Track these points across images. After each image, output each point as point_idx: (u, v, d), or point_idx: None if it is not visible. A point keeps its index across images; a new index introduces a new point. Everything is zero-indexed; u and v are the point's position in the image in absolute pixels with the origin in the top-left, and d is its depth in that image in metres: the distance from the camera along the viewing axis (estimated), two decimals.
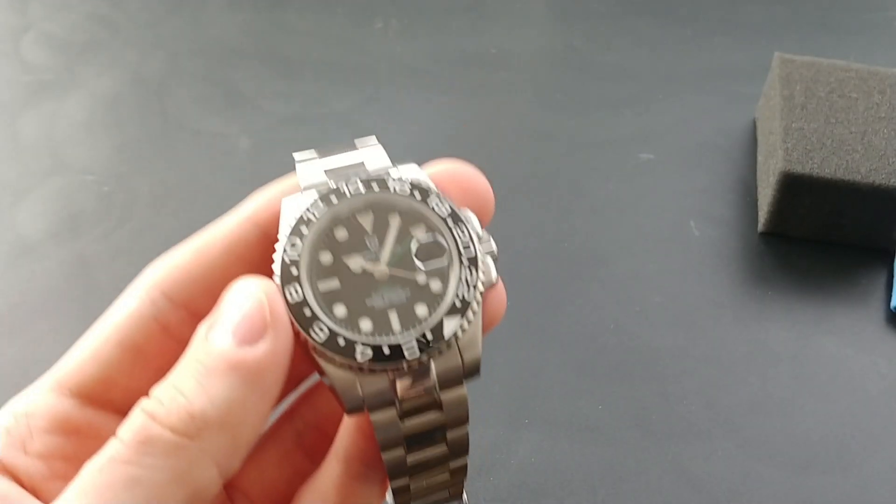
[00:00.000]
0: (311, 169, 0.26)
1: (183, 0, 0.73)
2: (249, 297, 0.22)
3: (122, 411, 0.26)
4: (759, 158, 0.59)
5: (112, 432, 0.25)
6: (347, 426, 0.26)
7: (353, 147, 0.27)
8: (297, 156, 0.27)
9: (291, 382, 0.26)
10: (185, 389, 0.21)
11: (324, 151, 0.27)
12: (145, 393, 0.26)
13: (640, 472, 0.45)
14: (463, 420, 0.25)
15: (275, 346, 0.22)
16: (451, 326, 0.24)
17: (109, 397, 0.26)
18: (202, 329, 0.23)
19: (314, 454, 0.29)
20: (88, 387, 0.25)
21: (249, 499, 0.27)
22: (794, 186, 0.52)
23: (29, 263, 0.53)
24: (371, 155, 0.27)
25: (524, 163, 0.60)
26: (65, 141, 0.61)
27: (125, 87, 0.65)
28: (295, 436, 0.29)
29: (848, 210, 0.53)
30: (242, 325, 0.22)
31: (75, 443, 0.25)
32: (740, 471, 0.45)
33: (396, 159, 0.27)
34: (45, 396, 0.25)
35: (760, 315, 0.52)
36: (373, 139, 0.27)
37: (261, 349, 0.22)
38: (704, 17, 0.72)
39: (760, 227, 0.56)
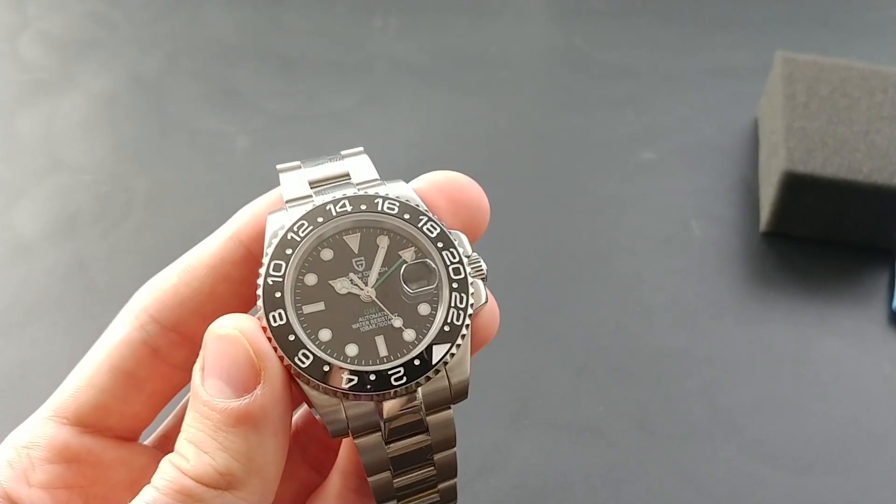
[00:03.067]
0: (295, 181, 0.25)
1: None
2: (232, 342, 0.22)
3: (119, 437, 0.27)
4: (761, 158, 0.59)
5: (112, 458, 0.26)
6: (346, 440, 0.26)
7: (339, 157, 0.26)
8: (279, 167, 0.26)
9: (295, 400, 0.26)
10: (205, 447, 0.22)
11: (308, 162, 0.26)
12: (141, 417, 0.27)
13: (642, 474, 0.44)
14: (451, 443, 0.25)
15: (271, 386, 0.22)
16: (439, 353, 0.23)
17: (107, 423, 0.26)
18: (196, 375, 0.23)
19: (320, 467, 0.29)
20: (85, 414, 0.26)
21: None
22: (796, 186, 0.52)
23: (26, 263, 0.53)
24: (357, 165, 0.26)
25: (524, 162, 0.60)
26: (62, 140, 0.61)
27: (123, 86, 0.65)
28: (300, 451, 0.29)
29: (850, 210, 0.53)
30: (234, 374, 0.22)
31: (76, 471, 0.25)
32: (742, 472, 0.44)
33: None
34: (43, 427, 0.25)
35: (762, 315, 0.51)
36: (359, 149, 0.27)
37: (259, 394, 0.22)
38: (706, 16, 0.72)
39: (762, 226, 0.56)
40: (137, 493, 0.22)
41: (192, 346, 0.26)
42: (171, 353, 0.26)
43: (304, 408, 0.29)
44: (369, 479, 0.24)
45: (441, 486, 0.26)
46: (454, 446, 0.25)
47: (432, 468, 0.25)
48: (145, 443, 0.29)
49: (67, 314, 0.50)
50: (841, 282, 0.53)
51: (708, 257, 0.54)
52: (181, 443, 0.22)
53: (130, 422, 0.27)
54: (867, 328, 0.51)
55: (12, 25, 0.70)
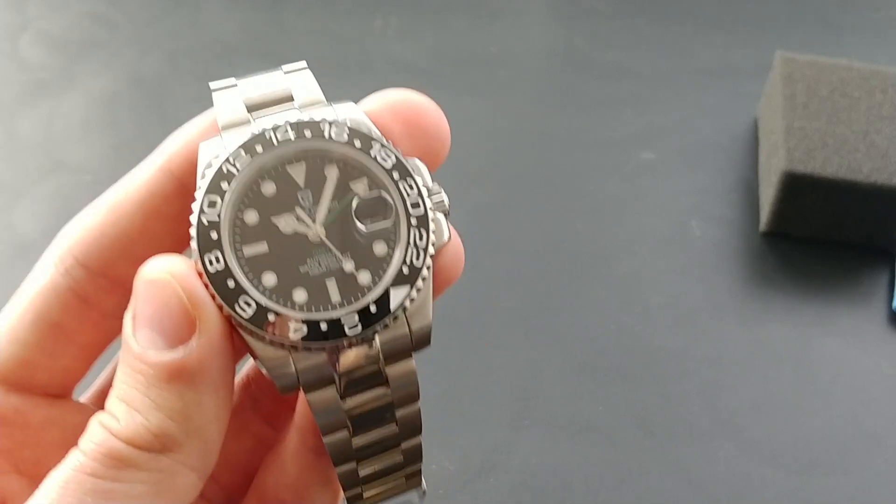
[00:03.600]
0: (230, 102, 0.23)
1: None
2: (163, 287, 0.20)
3: (49, 394, 0.24)
4: (761, 158, 0.59)
5: (41, 418, 0.23)
6: (303, 395, 0.23)
7: (279, 72, 0.23)
8: (213, 84, 0.23)
9: (239, 351, 0.23)
10: (137, 405, 0.20)
11: (246, 83, 0.23)
12: (73, 371, 0.24)
13: (642, 474, 0.44)
14: (413, 397, 0.23)
15: (209, 337, 0.20)
16: (397, 297, 0.21)
17: (34, 381, 0.24)
18: (127, 324, 0.20)
19: (274, 421, 0.27)
20: (9, 371, 0.23)
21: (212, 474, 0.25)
22: (795, 186, 0.52)
23: (26, 264, 0.53)
24: (299, 83, 0.23)
25: (524, 162, 0.60)
26: (62, 140, 0.61)
27: (123, 87, 0.65)
28: (252, 403, 0.27)
29: (850, 210, 0.53)
30: (167, 324, 0.20)
31: (3, 434, 0.23)
32: (742, 472, 0.45)
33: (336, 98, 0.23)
34: None
35: (762, 315, 0.51)
36: (302, 63, 0.24)
37: (194, 346, 0.20)
38: (705, 16, 0.72)
39: (762, 226, 0.56)
40: None
41: (123, 291, 0.23)
42: (100, 299, 0.23)
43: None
44: (324, 439, 0.22)
45: (404, 444, 0.24)
46: (417, 399, 0.23)
47: (394, 425, 0.23)
48: (80, 399, 0.26)
49: None
50: (841, 282, 0.53)
51: (708, 257, 0.54)
52: (111, 400, 0.20)
53: (60, 377, 0.24)
54: (867, 328, 0.51)
55: (12, 25, 0.70)
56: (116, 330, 0.24)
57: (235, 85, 0.23)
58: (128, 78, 0.66)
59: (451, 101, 0.64)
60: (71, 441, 0.21)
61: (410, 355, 0.22)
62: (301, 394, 0.22)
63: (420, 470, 0.25)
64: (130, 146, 0.61)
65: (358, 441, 0.23)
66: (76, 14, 0.71)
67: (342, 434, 0.22)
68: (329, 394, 0.21)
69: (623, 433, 0.46)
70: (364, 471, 0.24)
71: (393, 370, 0.22)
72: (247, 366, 0.28)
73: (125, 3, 0.72)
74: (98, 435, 0.20)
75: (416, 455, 0.25)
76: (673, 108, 0.64)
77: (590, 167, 0.60)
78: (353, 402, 0.22)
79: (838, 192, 0.52)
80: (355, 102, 0.23)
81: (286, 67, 0.24)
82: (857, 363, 0.49)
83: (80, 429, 0.21)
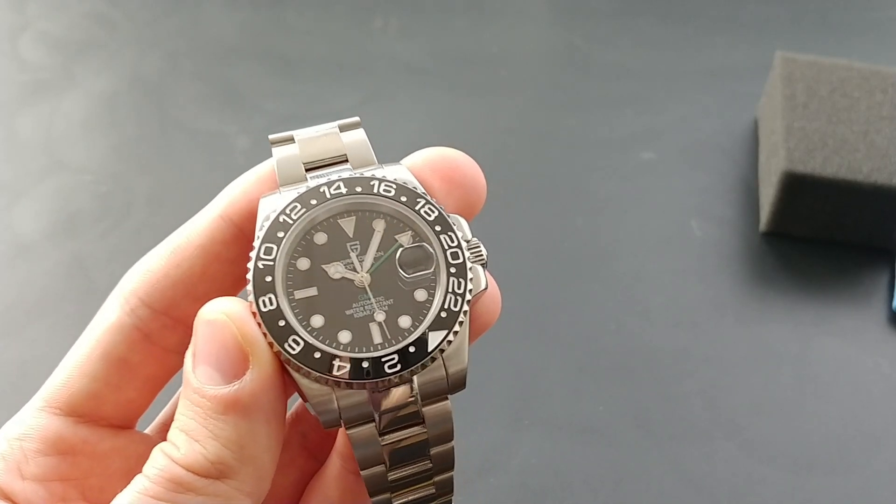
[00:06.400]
0: (289, 162, 0.25)
1: None
2: (220, 327, 0.22)
3: (114, 425, 0.26)
4: (761, 158, 0.59)
5: (107, 448, 0.25)
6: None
7: (336, 135, 0.25)
8: (272, 137, 0.25)
9: (290, 388, 0.26)
10: (195, 435, 0.21)
11: (304, 142, 0.25)
12: (136, 404, 0.26)
13: (641, 474, 0.44)
14: (448, 436, 0.24)
15: (261, 372, 0.22)
16: (435, 340, 0.22)
17: (101, 412, 0.26)
18: (187, 362, 0.22)
19: (319, 454, 0.29)
20: (78, 404, 0.25)
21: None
22: (795, 186, 0.52)
23: (26, 263, 0.53)
24: (354, 147, 0.25)
25: (524, 162, 0.60)
26: (62, 140, 0.61)
27: (123, 87, 0.65)
28: (300, 438, 0.29)
29: (850, 210, 0.53)
30: (223, 361, 0.22)
31: (71, 462, 0.25)
32: (742, 472, 0.44)
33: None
34: (36, 418, 0.25)
35: (762, 315, 0.51)
36: (356, 119, 0.26)
37: (248, 380, 0.21)
38: (706, 16, 0.72)
39: (762, 226, 0.56)
40: None
41: (184, 328, 0.25)
42: (163, 336, 0.25)
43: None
44: (362, 473, 0.24)
45: (437, 478, 0.25)
46: (452, 440, 0.24)
47: (428, 462, 0.25)
48: (145, 431, 0.28)
49: (67, 314, 0.50)
50: (841, 282, 0.53)
51: (708, 257, 0.54)
52: (173, 431, 0.22)
53: (125, 409, 0.26)
54: (867, 328, 0.51)
55: (12, 25, 0.70)
56: (178, 365, 0.26)
57: (293, 139, 0.25)
58: (128, 78, 0.66)
59: (452, 101, 0.64)
60: (134, 470, 0.22)
61: (447, 397, 0.23)
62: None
63: (451, 501, 0.27)
64: (130, 146, 0.61)
65: (393, 475, 0.24)
66: (76, 14, 0.71)
67: (379, 468, 0.24)
68: (368, 430, 0.23)
69: (623, 433, 0.46)
70: (398, 501, 0.25)
71: (429, 410, 0.23)
72: (296, 404, 0.29)
73: (125, 3, 0.72)
74: (160, 462, 0.21)
75: (447, 488, 0.26)
76: (673, 108, 0.64)
77: (590, 167, 0.60)
78: (390, 438, 0.23)
79: (838, 192, 0.52)
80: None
81: (341, 124, 0.26)
82: (857, 363, 0.49)
83: (143, 458, 0.22)
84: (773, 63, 0.60)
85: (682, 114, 0.64)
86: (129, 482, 0.22)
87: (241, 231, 0.25)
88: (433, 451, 0.24)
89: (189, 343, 0.22)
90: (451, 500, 0.27)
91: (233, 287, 0.25)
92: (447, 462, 0.25)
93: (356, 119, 0.26)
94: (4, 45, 0.68)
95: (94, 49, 0.68)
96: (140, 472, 0.22)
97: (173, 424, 0.22)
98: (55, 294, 0.51)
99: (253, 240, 0.23)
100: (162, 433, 0.28)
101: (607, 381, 0.48)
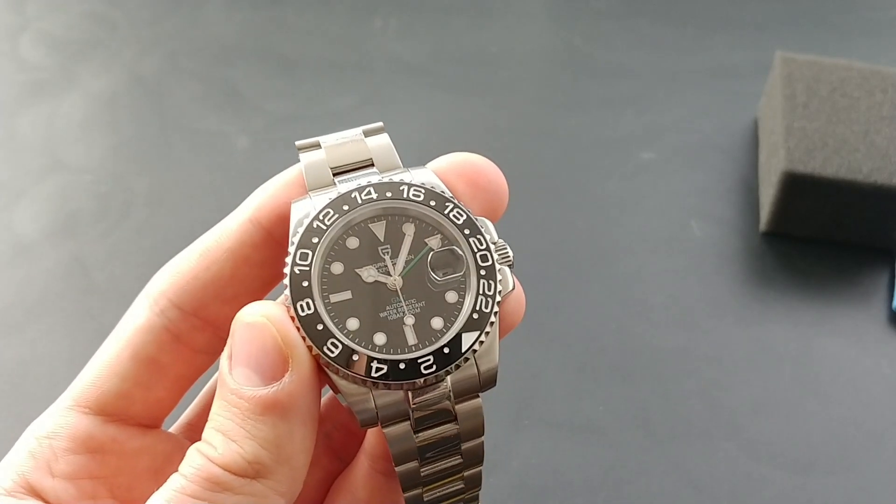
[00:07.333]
0: (317, 167, 0.25)
1: None
2: (260, 329, 0.22)
3: (144, 425, 0.26)
4: (761, 158, 0.59)
5: (135, 446, 0.26)
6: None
7: (362, 140, 0.26)
8: (298, 143, 0.26)
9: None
10: (233, 435, 0.22)
11: (331, 147, 0.26)
12: (164, 403, 0.27)
13: (642, 474, 0.44)
14: (479, 431, 0.25)
15: (300, 374, 0.22)
16: (468, 341, 0.23)
17: (130, 412, 0.26)
18: (224, 363, 0.23)
19: (343, 454, 0.29)
20: (108, 403, 0.25)
21: None
22: (795, 186, 0.52)
23: (26, 263, 0.53)
24: (379, 151, 0.26)
25: (524, 162, 0.60)
26: (62, 140, 0.61)
27: (123, 86, 0.65)
28: (325, 439, 0.29)
29: (850, 210, 0.53)
30: (262, 363, 0.22)
31: (100, 461, 0.25)
32: (742, 472, 0.44)
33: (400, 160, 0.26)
34: (65, 416, 0.25)
35: (762, 315, 0.51)
36: (379, 124, 0.26)
37: (287, 382, 0.22)
38: (706, 16, 0.72)
39: (762, 226, 0.56)
40: (161, 481, 0.22)
41: (213, 329, 0.26)
42: (192, 337, 0.26)
43: (326, 395, 0.29)
44: (397, 469, 0.24)
45: (466, 473, 0.26)
46: (482, 435, 0.25)
47: (459, 457, 0.25)
48: (169, 430, 0.29)
49: (67, 314, 0.50)
50: (841, 282, 0.53)
51: (708, 257, 0.54)
52: (209, 431, 0.22)
53: (154, 409, 0.26)
54: (867, 328, 0.51)
55: (12, 25, 0.70)
56: (206, 364, 0.26)
57: (319, 145, 0.26)
58: (127, 78, 0.66)
59: (451, 101, 0.64)
60: (161, 468, 0.23)
61: (478, 395, 0.24)
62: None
63: (478, 496, 0.28)
64: (130, 146, 0.61)
65: (425, 471, 0.25)
66: (76, 14, 0.71)
67: (413, 464, 0.24)
68: (404, 428, 0.24)
69: (623, 433, 0.46)
70: (428, 496, 0.26)
71: (461, 407, 0.24)
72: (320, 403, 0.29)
73: (125, 3, 0.72)
74: (197, 461, 0.22)
75: (476, 482, 0.27)
76: (673, 108, 0.64)
77: (590, 167, 0.60)
78: (424, 435, 0.24)
79: (838, 192, 0.52)
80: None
81: (366, 128, 0.26)
82: (857, 363, 0.49)
83: (170, 457, 0.23)
84: (773, 63, 0.60)
85: (682, 114, 0.64)
86: (156, 481, 0.22)
87: (269, 235, 0.25)
88: (464, 446, 0.25)
89: (220, 344, 0.23)
90: (478, 494, 0.28)
91: (261, 289, 0.26)
92: (477, 457, 0.26)
93: (380, 124, 0.26)
94: (4, 45, 0.68)
95: (93, 49, 0.68)
96: (168, 470, 0.22)
97: (208, 424, 0.22)
98: (55, 294, 0.51)
99: (282, 243, 0.24)
100: (187, 433, 0.28)
101: (607, 381, 0.48)
